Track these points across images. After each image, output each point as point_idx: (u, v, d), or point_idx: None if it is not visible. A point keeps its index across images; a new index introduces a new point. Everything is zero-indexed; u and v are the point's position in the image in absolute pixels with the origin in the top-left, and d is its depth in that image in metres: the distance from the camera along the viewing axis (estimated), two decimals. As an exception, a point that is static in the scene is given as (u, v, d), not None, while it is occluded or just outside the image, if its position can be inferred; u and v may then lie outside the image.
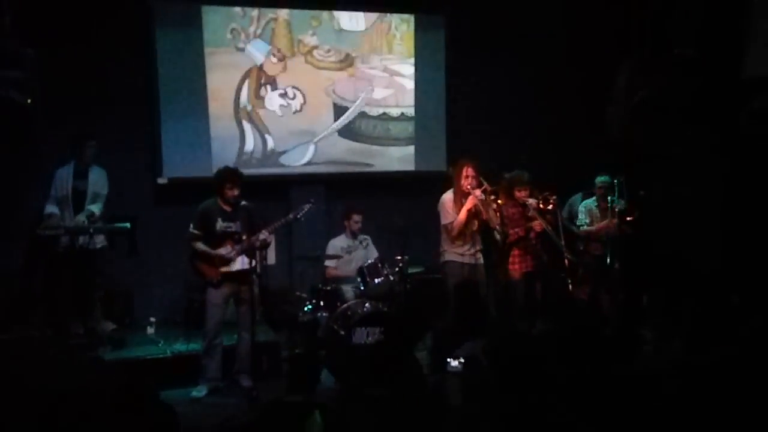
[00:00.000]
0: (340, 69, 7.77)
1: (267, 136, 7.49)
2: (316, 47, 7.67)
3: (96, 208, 6.01)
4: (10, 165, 6.05)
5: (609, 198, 6.61)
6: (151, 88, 6.89)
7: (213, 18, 7.20)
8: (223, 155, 7.08)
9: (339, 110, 7.77)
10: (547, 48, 7.71)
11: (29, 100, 5.05)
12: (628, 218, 6.54)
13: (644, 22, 6.90)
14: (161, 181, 6.96)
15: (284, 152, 7.57)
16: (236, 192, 5.46)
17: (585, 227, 6.77)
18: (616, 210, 6.53)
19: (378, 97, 7.90)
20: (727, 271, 6.47)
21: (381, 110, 7.92)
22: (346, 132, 7.79)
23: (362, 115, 7.85)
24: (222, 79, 7.26)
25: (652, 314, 6.57)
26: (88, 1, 6.47)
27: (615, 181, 6.61)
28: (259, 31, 7.40)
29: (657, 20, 6.81)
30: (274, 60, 7.49)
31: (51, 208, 5.88)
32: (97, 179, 6.09)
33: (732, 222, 6.69)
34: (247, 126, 7.42)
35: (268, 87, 7.48)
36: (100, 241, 6.03)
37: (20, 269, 6.34)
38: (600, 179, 6.71)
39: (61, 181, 5.96)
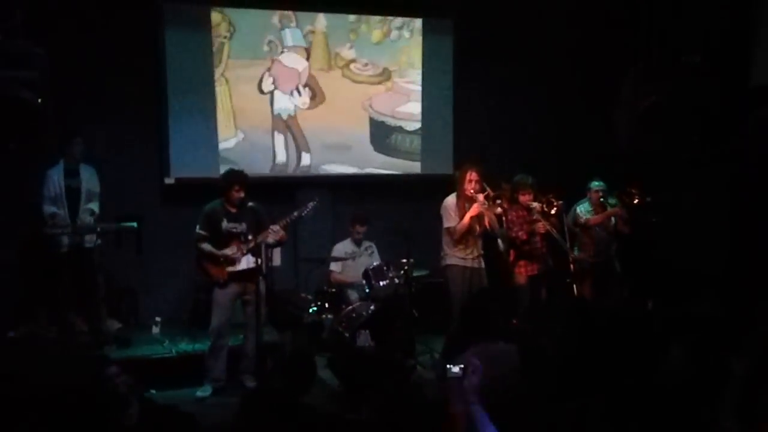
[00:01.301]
0: (378, 83, 7.73)
1: (303, 152, 7.50)
2: (353, 61, 7.62)
3: (96, 206, 6.03)
4: (18, 163, 6.07)
5: (602, 200, 6.59)
6: (159, 88, 6.91)
7: (246, 28, 7.20)
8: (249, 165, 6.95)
9: (375, 125, 7.74)
10: (555, 54, 7.71)
11: (39, 100, 5.09)
12: (636, 201, 6.50)
13: (651, 29, 6.92)
14: (168, 181, 6.97)
15: (321, 166, 7.60)
16: (242, 194, 5.49)
17: (587, 216, 6.68)
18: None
19: (415, 111, 7.88)
20: (734, 277, 6.47)
21: (417, 125, 7.89)
22: (382, 147, 7.80)
23: (399, 129, 7.84)
24: (253, 92, 7.28)
25: (657, 320, 6.55)
26: (98, 2, 6.50)
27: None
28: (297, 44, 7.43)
29: (664, 27, 6.82)
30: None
31: (51, 209, 5.84)
32: (90, 177, 6.06)
33: (739, 228, 6.69)
34: (279, 138, 7.41)
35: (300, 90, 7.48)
36: (92, 239, 6.01)
37: (21, 270, 6.34)
38: (596, 184, 6.64)
39: (52, 181, 5.90)
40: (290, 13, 7.41)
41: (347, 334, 5.71)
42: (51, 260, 5.97)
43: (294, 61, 7.47)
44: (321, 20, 7.56)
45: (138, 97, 6.83)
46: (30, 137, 5.47)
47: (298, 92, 7.50)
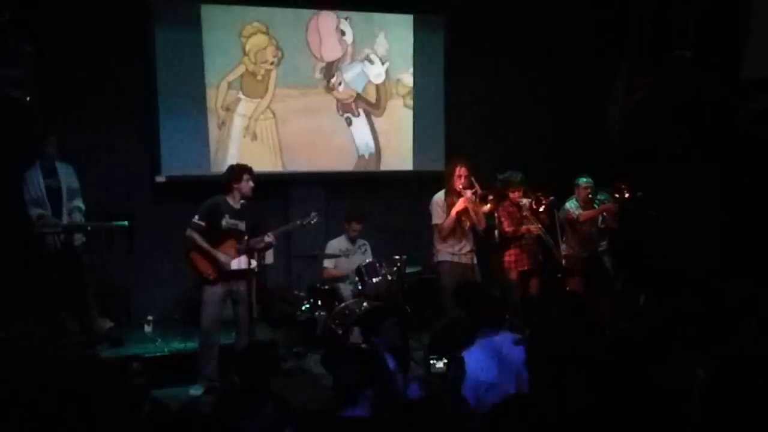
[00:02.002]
0: None
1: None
2: None
3: (81, 203, 6.00)
4: (4, 162, 6.03)
5: (590, 197, 6.58)
6: (149, 85, 6.87)
7: (295, 52, 7.14)
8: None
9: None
10: (546, 50, 7.71)
11: (28, 98, 5.05)
12: (627, 196, 6.48)
13: (642, 24, 6.93)
14: (159, 179, 6.93)
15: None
16: (253, 184, 5.47)
17: (578, 212, 6.62)
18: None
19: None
20: (725, 271, 6.49)
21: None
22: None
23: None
24: (319, 125, 7.27)
25: (649, 315, 6.57)
26: (88, 0, 6.46)
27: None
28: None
29: (655, 22, 6.83)
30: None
31: (37, 210, 5.80)
32: (68, 175, 6.00)
33: (729, 223, 6.71)
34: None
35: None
36: (78, 238, 5.99)
37: (10, 270, 6.29)
38: (583, 180, 6.57)
39: (32, 182, 5.84)
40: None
41: (340, 331, 5.70)
42: (40, 260, 5.93)
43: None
44: (381, 42, 7.45)
45: (129, 95, 6.80)
46: (18, 136, 5.44)
47: (370, 61, 7.35)
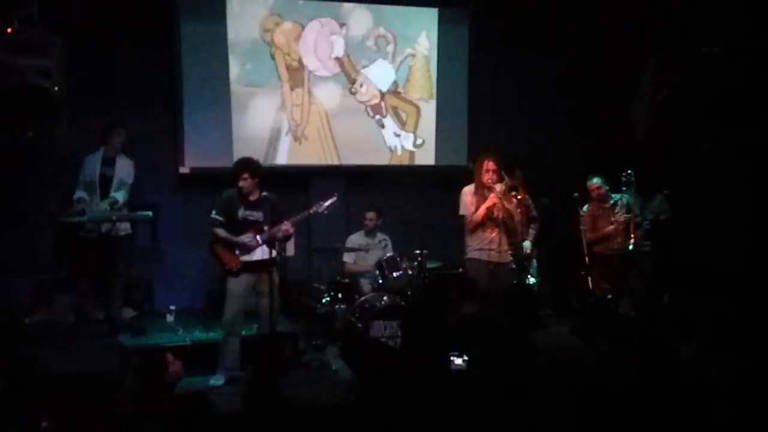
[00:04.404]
0: None
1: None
2: None
3: (120, 196, 6.07)
4: (36, 152, 6.13)
5: (609, 195, 6.50)
6: (174, 77, 6.92)
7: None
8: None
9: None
10: (572, 45, 7.63)
11: (56, 88, 5.10)
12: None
13: (670, 19, 6.83)
14: (183, 170, 6.99)
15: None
16: (248, 183, 5.44)
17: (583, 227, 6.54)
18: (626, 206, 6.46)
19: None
20: (751, 272, 6.40)
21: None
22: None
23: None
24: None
25: (673, 314, 6.50)
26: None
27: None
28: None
29: (683, 17, 6.73)
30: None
31: (80, 193, 5.99)
32: (124, 167, 6.15)
33: (757, 223, 6.61)
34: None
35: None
36: (124, 228, 6.09)
37: (46, 255, 6.41)
38: (596, 180, 6.49)
39: (89, 167, 6.06)
40: (387, 32, 7.35)
41: (360, 325, 5.71)
42: (73, 247, 6.06)
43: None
44: (423, 41, 7.39)
45: (153, 85, 6.86)
46: (47, 125, 5.51)
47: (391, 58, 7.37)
